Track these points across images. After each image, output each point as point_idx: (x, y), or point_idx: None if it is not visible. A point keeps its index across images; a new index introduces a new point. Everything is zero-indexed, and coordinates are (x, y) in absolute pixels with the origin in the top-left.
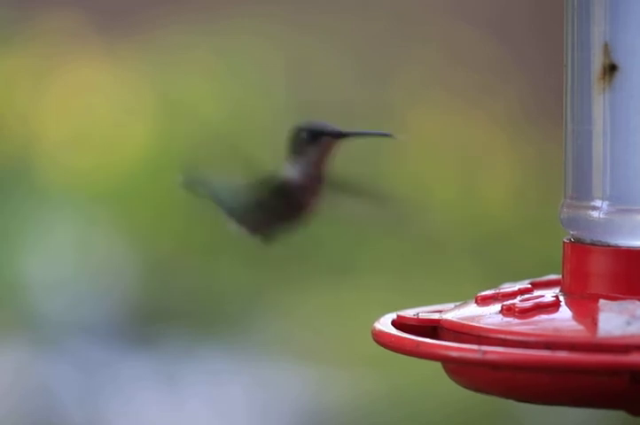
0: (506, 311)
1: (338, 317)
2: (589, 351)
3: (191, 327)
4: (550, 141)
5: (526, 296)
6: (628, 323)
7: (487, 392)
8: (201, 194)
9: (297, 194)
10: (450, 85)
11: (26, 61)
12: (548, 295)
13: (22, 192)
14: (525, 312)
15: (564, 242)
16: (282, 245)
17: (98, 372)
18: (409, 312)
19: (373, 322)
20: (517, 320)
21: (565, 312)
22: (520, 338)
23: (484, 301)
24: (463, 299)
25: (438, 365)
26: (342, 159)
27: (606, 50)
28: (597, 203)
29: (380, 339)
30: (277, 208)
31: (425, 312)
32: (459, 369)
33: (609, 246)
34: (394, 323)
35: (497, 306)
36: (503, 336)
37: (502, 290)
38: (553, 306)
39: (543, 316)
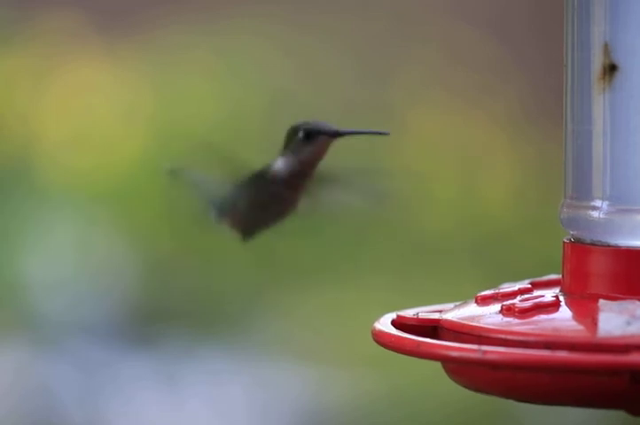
0: (506, 311)
1: (338, 317)
2: (588, 351)
3: (191, 327)
4: (550, 141)
5: (526, 296)
6: (628, 323)
7: (487, 392)
8: (185, 183)
9: (283, 191)
10: (450, 85)
11: (26, 61)
12: (548, 295)
13: (22, 192)
14: (525, 312)
15: (564, 242)
16: (283, 245)
17: (98, 372)
18: (409, 312)
19: (373, 322)
20: (517, 320)
21: (565, 312)
22: (520, 338)
23: (484, 301)
24: (463, 299)
25: (438, 365)
26: (342, 160)
27: (606, 50)
28: (597, 203)
29: (380, 339)
30: (262, 204)
31: (424, 312)
32: (459, 369)
33: (609, 246)
34: (393, 323)
35: (497, 306)
36: (502, 336)
37: (502, 290)
38: (553, 306)
39: (543, 316)
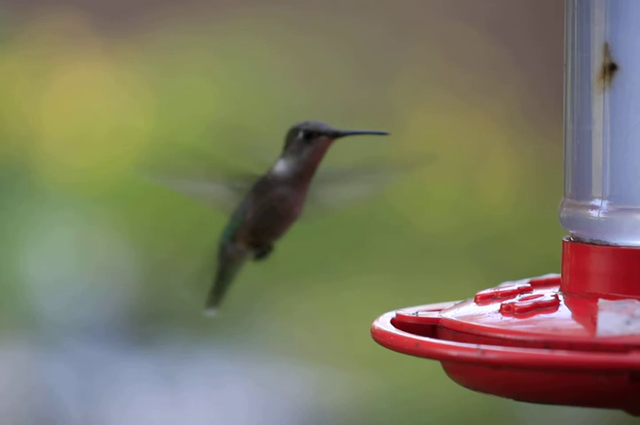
0: (505, 310)
1: (338, 317)
2: (588, 351)
3: (191, 327)
4: (550, 140)
5: (526, 295)
6: (628, 323)
7: (487, 391)
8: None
9: (289, 195)
10: (450, 85)
11: (26, 61)
12: (547, 294)
13: (22, 192)
14: (524, 312)
15: (563, 241)
16: (283, 246)
17: (98, 372)
18: (408, 311)
19: (373, 322)
20: (516, 320)
21: (564, 312)
22: (519, 337)
23: (483, 300)
24: (462, 299)
25: (438, 364)
26: (341, 160)
27: (606, 49)
28: (597, 202)
29: (380, 338)
30: (271, 212)
31: (424, 310)
32: (458, 368)
33: (608, 245)
34: (393, 322)
35: (497, 305)
36: (502, 336)
37: (501, 289)
38: (552, 305)
39: (542, 315)
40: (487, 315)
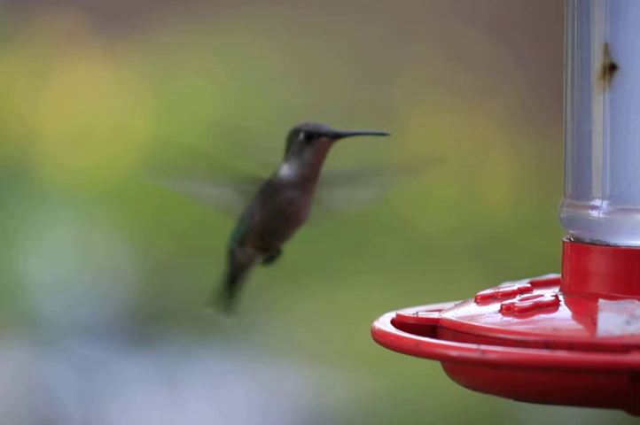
0: (505, 310)
1: (338, 317)
2: (588, 351)
3: (191, 327)
4: (550, 140)
5: (526, 295)
6: (628, 323)
7: (487, 392)
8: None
9: (296, 197)
10: (450, 85)
11: (25, 61)
12: (547, 294)
13: (22, 192)
14: (524, 312)
15: (563, 241)
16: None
17: (98, 372)
18: (408, 312)
19: (373, 322)
20: (516, 320)
21: (564, 312)
22: (519, 338)
23: (483, 300)
24: (462, 299)
25: (438, 365)
26: (340, 160)
27: (606, 50)
28: (597, 202)
29: (380, 338)
30: (279, 215)
31: (424, 311)
32: (459, 368)
33: (608, 246)
34: (393, 322)
35: (497, 306)
36: (502, 336)
37: (501, 290)
38: (552, 306)
39: (543, 315)
40: (488, 315)
